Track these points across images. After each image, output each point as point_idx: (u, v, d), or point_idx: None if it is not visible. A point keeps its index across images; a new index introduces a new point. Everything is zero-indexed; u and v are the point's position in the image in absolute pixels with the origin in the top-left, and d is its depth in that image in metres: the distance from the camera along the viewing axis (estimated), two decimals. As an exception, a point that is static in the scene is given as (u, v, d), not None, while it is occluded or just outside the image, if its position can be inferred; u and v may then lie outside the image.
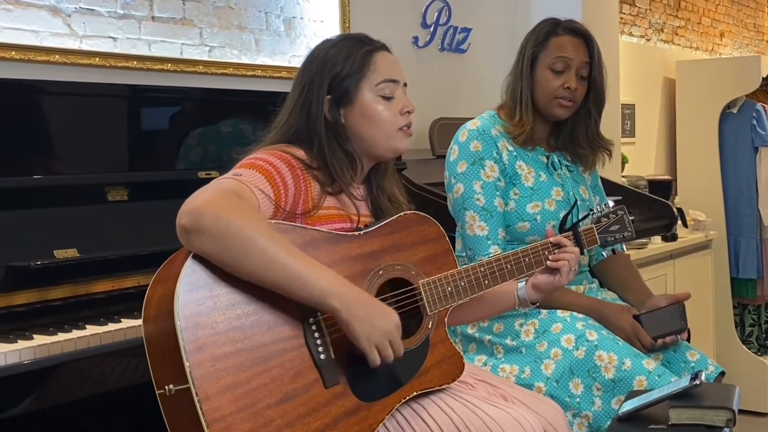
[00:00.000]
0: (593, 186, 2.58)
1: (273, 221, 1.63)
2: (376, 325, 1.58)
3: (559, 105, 2.37)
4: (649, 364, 2.14)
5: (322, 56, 1.81)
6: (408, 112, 1.84)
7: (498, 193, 2.33)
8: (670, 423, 1.80)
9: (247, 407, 1.48)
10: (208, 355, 1.46)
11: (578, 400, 2.16)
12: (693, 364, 2.29)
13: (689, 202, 4.82)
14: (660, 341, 2.27)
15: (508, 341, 2.29)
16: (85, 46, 2.42)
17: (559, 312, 2.29)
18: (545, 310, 2.30)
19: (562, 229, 2.08)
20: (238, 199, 1.57)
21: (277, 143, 1.80)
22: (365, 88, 1.79)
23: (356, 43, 1.82)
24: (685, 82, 5.18)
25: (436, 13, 3.65)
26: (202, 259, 1.51)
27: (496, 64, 3.66)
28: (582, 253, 2.04)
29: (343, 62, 1.79)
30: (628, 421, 1.86)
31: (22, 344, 1.72)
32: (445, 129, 3.32)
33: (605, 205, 2.17)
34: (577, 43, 2.38)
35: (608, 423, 2.08)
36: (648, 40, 5.48)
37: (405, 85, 1.86)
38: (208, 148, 2.44)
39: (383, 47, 1.85)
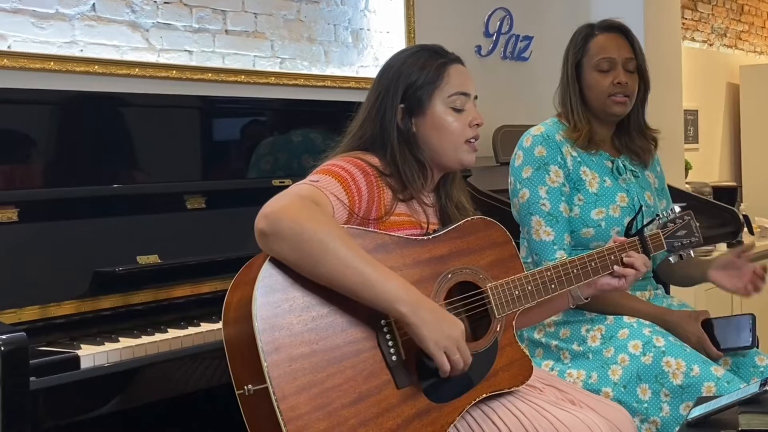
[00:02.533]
0: (660, 189, 2.57)
1: (345, 226, 1.68)
2: (444, 329, 1.61)
3: (614, 103, 2.36)
4: (718, 370, 2.13)
5: (399, 65, 1.85)
6: (477, 124, 1.87)
7: (563, 198, 2.34)
8: (740, 429, 1.78)
9: (322, 407, 1.53)
10: (284, 356, 1.51)
11: (646, 405, 2.17)
12: (762, 369, 2.27)
13: (755, 209, 4.75)
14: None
15: (574, 346, 2.30)
16: (163, 59, 2.51)
17: (625, 318, 2.29)
18: (611, 316, 2.31)
19: (627, 234, 2.09)
20: (315, 205, 1.62)
21: (351, 149, 1.84)
22: (437, 100, 1.83)
23: (432, 55, 1.86)
24: (750, 87, 5.12)
25: (499, 22, 3.67)
26: (278, 263, 1.57)
27: (558, 71, 3.65)
28: (648, 258, 2.05)
29: (419, 72, 1.83)
30: (698, 426, 1.85)
31: (109, 346, 1.80)
32: (508, 136, 3.34)
33: (672, 210, 2.17)
34: (616, 38, 2.39)
35: (676, 429, 2.08)
36: (710, 45, 5.42)
37: (476, 98, 1.89)
38: (280, 157, 2.50)
39: (457, 60, 1.89)
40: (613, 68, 2.36)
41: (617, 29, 2.41)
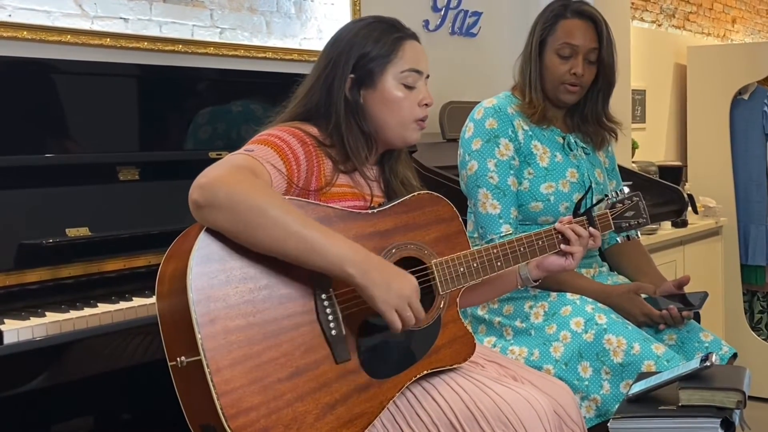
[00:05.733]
0: (610, 170, 2.57)
1: (287, 197, 1.64)
2: (393, 288, 1.59)
3: (566, 91, 2.36)
4: (658, 348, 2.13)
5: (353, 35, 1.81)
6: (426, 104, 1.84)
7: (512, 171, 2.32)
8: (680, 404, 1.80)
9: (257, 380, 1.49)
10: (220, 328, 1.47)
11: (587, 383, 2.16)
12: (707, 345, 2.28)
13: (700, 189, 4.81)
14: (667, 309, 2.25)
15: (517, 323, 2.29)
16: (97, 26, 2.42)
17: (568, 295, 2.28)
18: (555, 293, 2.29)
19: (576, 213, 2.08)
20: (250, 173, 1.57)
21: (295, 116, 1.81)
22: (389, 74, 1.80)
23: (388, 28, 1.83)
24: (697, 68, 5.16)
25: (447, -3, 3.63)
26: (215, 233, 1.52)
27: (507, 48, 3.65)
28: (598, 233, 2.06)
29: (373, 44, 1.79)
30: (638, 402, 1.86)
31: (34, 321, 1.73)
32: (455, 113, 3.31)
33: (620, 190, 2.18)
34: (585, 26, 2.36)
35: (616, 406, 2.07)
36: (659, 25, 5.45)
37: (427, 77, 1.86)
38: (218, 129, 2.44)
39: (413, 36, 1.86)
40: (574, 56, 2.34)
41: (588, 16, 2.37)
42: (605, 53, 2.37)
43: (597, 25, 2.37)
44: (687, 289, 2.36)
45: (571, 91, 2.36)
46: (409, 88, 1.81)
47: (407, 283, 1.62)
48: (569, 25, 2.36)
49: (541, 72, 2.38)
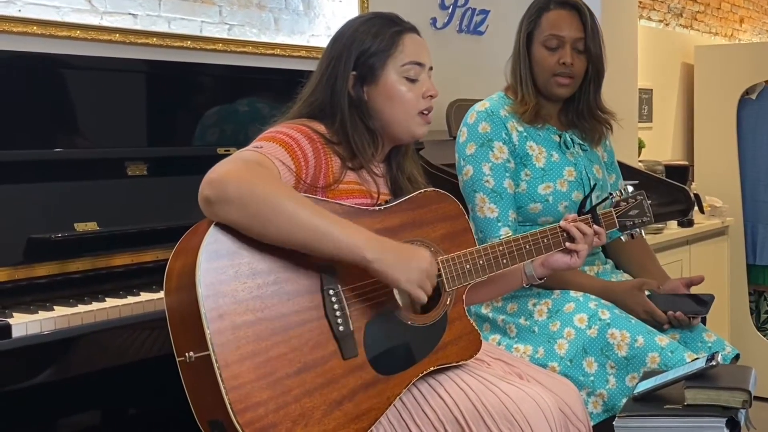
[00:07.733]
0: (609, 164, 2.56)
1: None
2: (412, 266, 1.62)
3: (557, 84, 2.35)
4: (662, 340, 2.14)
5: (352, 32, 1.82)
6: (431, 96, 1.84)
7: (507, 174, 2.32)
8: (685, 403, 1.80)
9: (265, 376, 1.50)
10: (228, 323, 1.48)
11: (592, 378, 2.17)
12: (710, 345, 2.28)
13: (706, 189, 4.80)
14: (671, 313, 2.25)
15: (521, 321, 2.29)
16: (106, 22, 2.42)
17: (571, 292, 2.29)
18: (558, 290, 2.30)
19: (580, 211, 2.09)
20: (260, 167, 1.58)
21: (300, 116, 1.81)
22: (391, 68, 1.80)
23: (387, 22, 1.83)
24: (704, 68, 5.15)
25: (455, -5, 3.63)
26: (224, 229, 1.53)
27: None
28: (603, 231, 2.06)
29: (372, 40, 1.80)
30: (644, 400, 1.86)
31: (42, 315, 1.73)
32: (462, 110, 3.29)
33: (624, 189, 2.18)
34: (569, 17, 2.35)
35: (623, 400, 2.08)
36: (667, 24, 5.44)
37: (431, 69, 1.86)
38: (226, 125, 2.45)
39: (413, 29, 1.87)
40: (561, 47, 2.33)
41: (572, 6, 2.37)
42: (591, 43, 2.36)
43: (581, 14, 2.36)
44: (694, 290, 2.35)
45: (562, 83, 2.35)
46: (411, 81, 1.82)
47: (422, 259, 1.65)
48: (553, 17, 2.35)
49: (531, 67, 2.37)
